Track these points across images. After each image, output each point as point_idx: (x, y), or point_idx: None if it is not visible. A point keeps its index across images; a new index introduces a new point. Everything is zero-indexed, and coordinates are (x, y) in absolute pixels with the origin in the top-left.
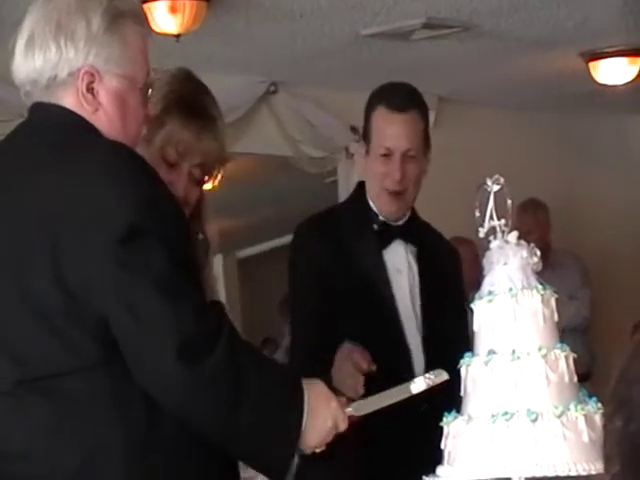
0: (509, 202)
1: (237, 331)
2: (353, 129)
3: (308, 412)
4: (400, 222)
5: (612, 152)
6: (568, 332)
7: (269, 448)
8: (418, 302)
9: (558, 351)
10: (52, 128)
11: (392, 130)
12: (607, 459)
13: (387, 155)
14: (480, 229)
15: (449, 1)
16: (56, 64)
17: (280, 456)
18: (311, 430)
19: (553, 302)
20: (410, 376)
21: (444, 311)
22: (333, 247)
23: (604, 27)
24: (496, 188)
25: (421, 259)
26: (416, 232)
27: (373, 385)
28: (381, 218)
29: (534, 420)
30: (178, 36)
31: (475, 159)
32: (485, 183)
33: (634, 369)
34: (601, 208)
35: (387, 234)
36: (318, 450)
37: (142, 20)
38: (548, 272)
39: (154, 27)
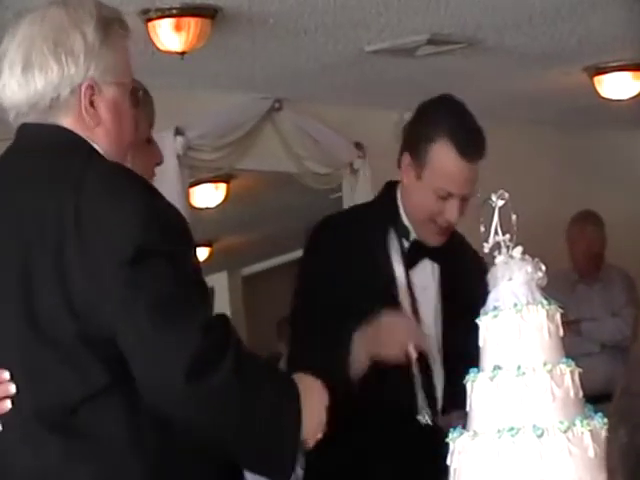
0: (514, 217)
1: (242, 341)
2: (357, 145)
3: (303, 411)
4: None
5: (616, 167)
6: (608, 349)
7: (274, 452)
8: (440, 319)
9: (563, 366)
10: (50, 150)
11: (458, 177)
12: (611, 473)
13: (445, 197)
14: (485, 244)
15: (453, 17)
16: (59, 84)
17: (284, 459)
18: (306, 428)
19: (558, 317)
20: (431, 392)
21: (466, 328)
22: (353, 255)
23: (608, 42)
24: (501, 203)
25: (445, 276)
26: (445, 250)
27: (389, 396)
28: (414, 238)
29: (540, 435)
30: (183, 54)
31: (479, 174)
32: (490, 198)
33: (638, 382)
34: (605, 223)
35: (417, 253)
36: (313, 443)
37: (125, 24)
38: (598, 286)
39: (159, 45)
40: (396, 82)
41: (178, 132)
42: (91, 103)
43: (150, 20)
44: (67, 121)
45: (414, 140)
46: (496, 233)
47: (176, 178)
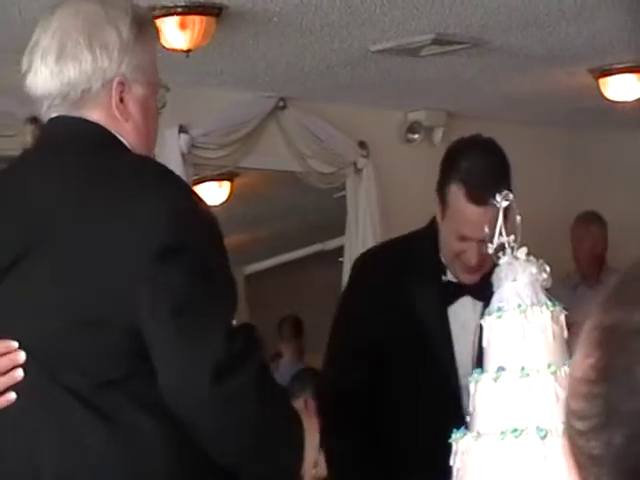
0: (518, 218)
1: (265, 359)
2: (362, 144)
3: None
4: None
5: (621, 168)
6: None
7: (275, 474)
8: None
9: (567, 368)
10: (81, 144)
11: (469, 221)
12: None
13: (462, 238)
14: (489, 245)
15: (458, 17)
16: (91, 75)
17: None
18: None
19: (562, 318)
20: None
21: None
22: (393, 291)
23: (613, 44)
24: (505, 204)
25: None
26: (489, 285)
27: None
28: (450, 278)
29: (543, 437)
30: (188, 52)
31: None
32: (494, 199)
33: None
34: (610, 224)
35: (456, 290)
36: None
37: (156, 26)
38: (600, 289)
39: (164, 43)
40: (401, 82)
41: (182, 130)
42: (121, 99)
43: (155, 18)
44: (97, 115)
45: (439, 181)
46: (500, 234)
47: (180, 176)
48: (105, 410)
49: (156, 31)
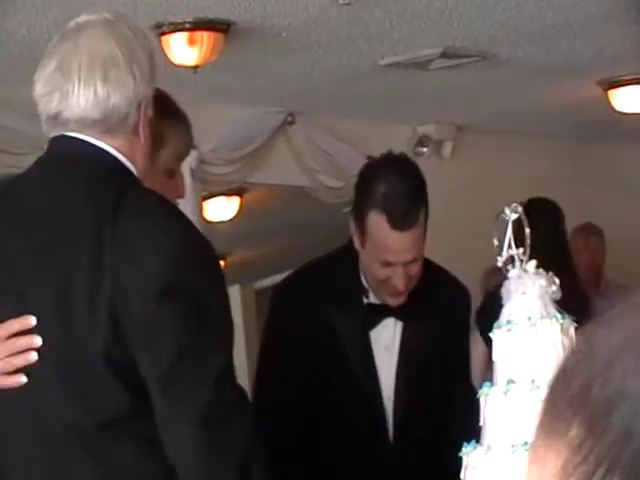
0: (527, 231)
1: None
2: (370, 159)
3: None
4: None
5: (630, 180)
6: None
7: None
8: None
9: None
10: (90, 170)
11: (393, 247)
12: None
13: (387, 264)
14: (498, 258)
15: (466, 30)
16: (133, 99)
17: None
18: None
19: (572, 331)
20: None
21: (428, 385)
22: (314, 320)
23: (622, 55)
24: (514, 217)
25: (406, 333)
26: (411, 303)
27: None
28: (372, 301)
29: None
30: (196, 68)
31: (493, 188)
32: (503, 212)
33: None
34: (618, 236)
35: (377, 313)
36: None
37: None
38: (598, 301)
39: (172, 59)
40: (409, 95)
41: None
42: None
43: (163, 34)
44: (120, 138)
45: (355, 208)
46: (509, 247)
47: (189, 191)
48: (100, 450)
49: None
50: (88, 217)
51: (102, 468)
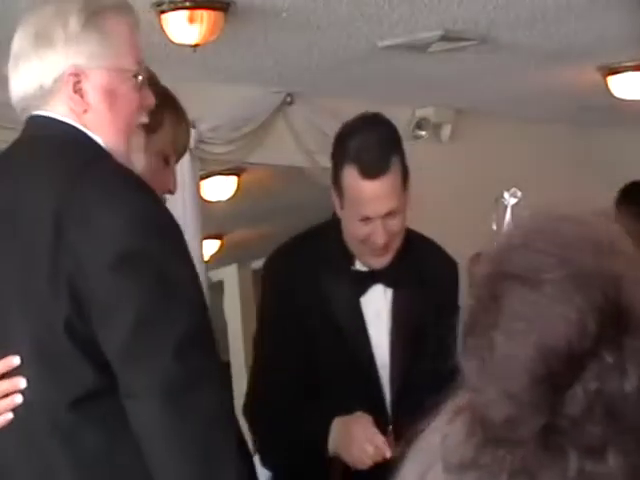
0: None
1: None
2: None
3: None
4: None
5: (630, 167)
6: None
7: None
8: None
9: None
10: (44, 144)
11: (368, 198)
12: None
13: (366, 219)
14: (497, 242)
15: (466, 14)
16: (41, 74)
17: None
18: None
19: None
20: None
21: (421, 353)
22: (306, 290)
23: (622, 41)
24: (513, 201)
25: (398, 300)
26: (398, 270)
27: None
28: (359, 267)
29: None
30: (195, 46)
31: (492, 172)
32: (502, 196)
33: None
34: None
35: (367, 279)
36: None
37: (124, 10)
38: None
39: (172, 37)
40: (409, 78)
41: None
42: (78, 90)
43: (163, 12)
44: (59, 110)
45: (332, 171)
46: None
47: (187, 170)
48: (71, 431)
49: (123, 14)
50: (48, 195)
51: (74, 450)
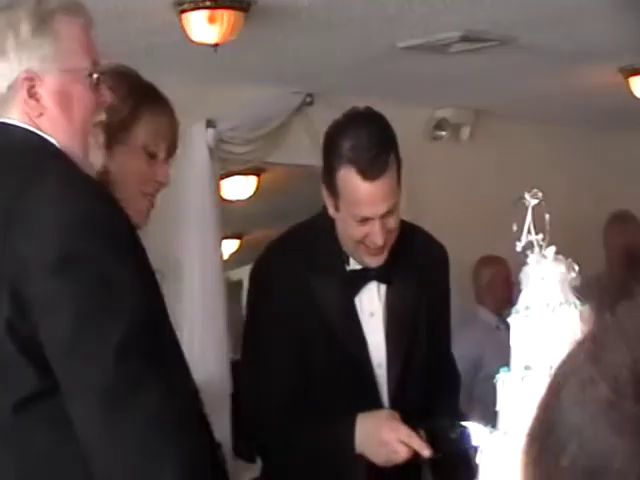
0: (547, 216)
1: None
2: None
3: None
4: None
5: None
6: None
7: None
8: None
9: None
10: (1, 151)
11: (367, 200)
12: None
13: (364, 220)
14: (517, 243)
15: (486, 14)
16: (6, 76)
17: None
18: None
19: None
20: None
21: (419, 349)
22: (298, 291)
23: None
24: (534, 202)
25: (392, 296)
26: (392, 265)
27: None
28: (353, 266)
29: None
30: (216, 46)
31: (510, 173)
32: (523, 197)
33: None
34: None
35: (360, 278)
36: None
37: (75, 11)
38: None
39: (192, 37)
40: (428, 79)
41: (210, 124)
42: (33, 94)
43: (184, 12)
44: (14, 115)
45: (324, 171)
46: (529, 232)
47: (207, 170)
48: (17, 434)
49: (75, 15)
50: (3, 196)
51: (17, 451)
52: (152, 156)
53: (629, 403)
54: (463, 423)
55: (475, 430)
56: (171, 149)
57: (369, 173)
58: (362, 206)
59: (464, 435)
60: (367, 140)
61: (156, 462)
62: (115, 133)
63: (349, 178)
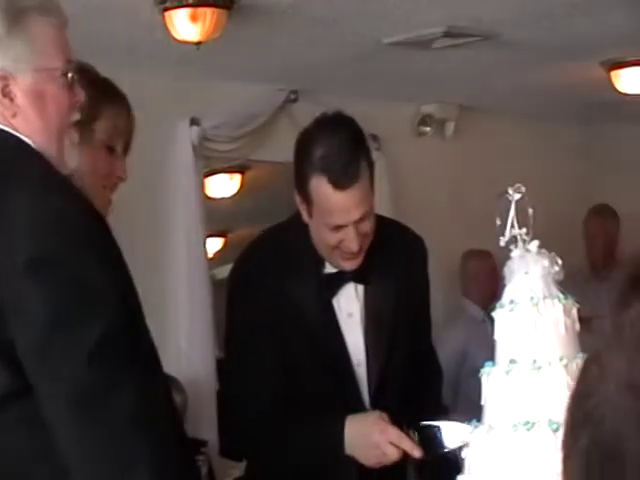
0: (530, 211)
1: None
2: (373, 137)
3: None
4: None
5: (633, 162)
6: None
7: None
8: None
9: (579, 361)
10: None
11: (340, 208)
12: None
13: (338, 227)
14: (501, 238)
15: (470, 10)
16: None
17: None
18: None
19: (574, 312)
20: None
21: (399, 347)
22: (274, 297)
23: (626, 36)
24: (517, 197)
25: (369, 297)
26: (369, 265)
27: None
28: (329, 270)
29: (555, 430)
30: (199, 44)
31: (495, 168)
32: (507, 192)
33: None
34: (621, 218)
35: (337, 280)
36: None
37: (49, 10)
38: (610, 284)
39: (175, 35)
40: (413, 75)
41: (193, 122)
42: (7, 94)
43: (167, 10)
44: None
45: (297, 179)
46: (512, 227)
47: (191, 168)
48: None
49: (48, 14)
50: None
51: None
52: (111, 151)
53: None
54: (445, 423)
55: (456, 430)
56: (127, 145)
57: (340, 182)
58: (335, 214)
59: (442, 436)
60: (337, 148)
61: (129, 463)
62: (77, 129)
63: (321, 187)
